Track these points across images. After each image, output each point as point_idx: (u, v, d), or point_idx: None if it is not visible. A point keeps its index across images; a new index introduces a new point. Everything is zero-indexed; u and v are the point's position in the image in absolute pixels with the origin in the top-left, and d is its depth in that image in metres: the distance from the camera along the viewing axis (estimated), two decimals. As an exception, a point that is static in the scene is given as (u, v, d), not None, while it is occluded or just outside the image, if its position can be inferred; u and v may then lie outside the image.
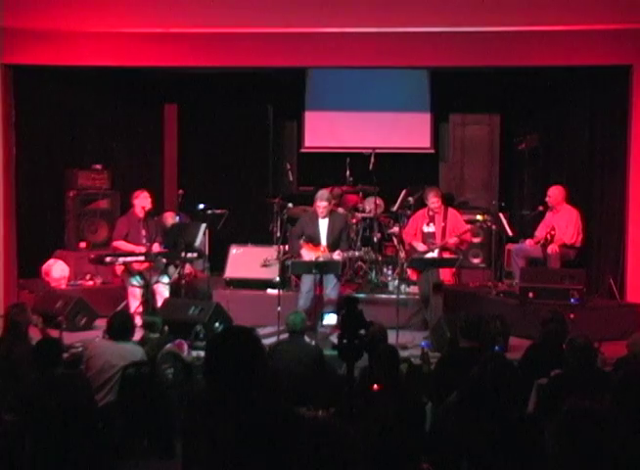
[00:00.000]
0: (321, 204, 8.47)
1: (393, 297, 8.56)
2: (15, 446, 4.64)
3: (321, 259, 8.18)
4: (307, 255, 8.41)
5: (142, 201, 8.64)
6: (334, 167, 10.83)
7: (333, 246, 8.45)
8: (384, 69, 10.26)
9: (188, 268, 9.42)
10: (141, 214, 8.66)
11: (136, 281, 8.47)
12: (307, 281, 8.36)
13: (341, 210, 10.02)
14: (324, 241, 8.50)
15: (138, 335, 6.88)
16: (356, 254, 8.46)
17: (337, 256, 8.34)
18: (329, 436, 2.74)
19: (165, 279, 8.63)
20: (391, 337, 6.66)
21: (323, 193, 8.66)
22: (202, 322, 7.66)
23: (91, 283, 9.57)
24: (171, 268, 8.77)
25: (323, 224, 8.55)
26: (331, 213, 8.61)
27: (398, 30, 8.69)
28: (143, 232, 8.64)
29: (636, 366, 5.17)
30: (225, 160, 11.49)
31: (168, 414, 5.83)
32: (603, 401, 3.83)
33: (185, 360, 6.66)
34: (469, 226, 8.79)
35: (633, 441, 3.26)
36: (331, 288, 8.34)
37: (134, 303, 8.46)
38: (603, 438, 2.85)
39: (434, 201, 8.61)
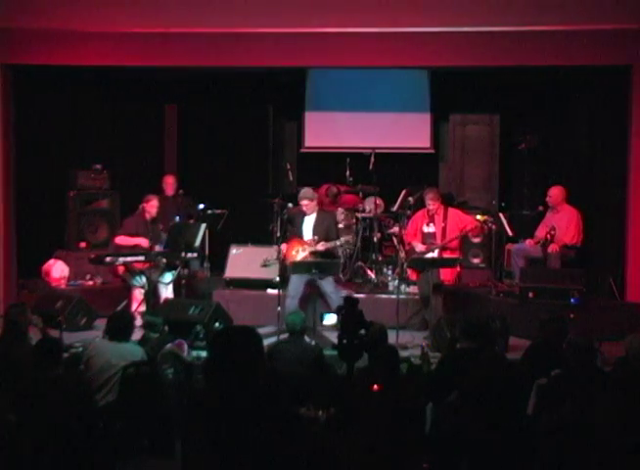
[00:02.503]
0: (301, 202, 8.62)
1: (393, 297, 8.57)
2: (15, 446, 4.64)
3: (304, 253, 8.38)
4: (287, 250, 8.57)
5: (150, 208, 8.76)
6: (334, 167, 10.83)
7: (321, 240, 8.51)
8: (384, 69, 10.25)
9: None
10: (148, 218, 8.78)
11: (137, 281, 8.49)
12: (294, 283, 8.34)
13: (340, 210, 10.03)
14: (307, 237, 8.54)
15: (138, 335, 6.88)
16: (337, 243, 8.48)
17: (321, 246, 8.38)
18: (327, 436, 2.74)
19: (166, 279, 8.64)
20: (391, 337, 6.66)
21: (304, 191, 8.74)
22: (202, 322, 7.65)
23: (91, 283, 9.57)
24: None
25: (308, 221, 8.60)
26: (319, 211, 8.67)
27: (398, 30, 8.69)
28: (149, 235, 8.68)
29: (635, 366, 5.17)
30: (225, 160, 11.48)
31: (168, 414, 5.83)
32: (603, 401, 3.84)
33: (185, 360, 6.65)
34: (475, 223, 8.76)
35: (632, 441, 3.26)
36: (331, 291, 8.25)
37: (136, 302, 8.47)
38: (601, 437, 2.85)
39: (430, 203, 8.61)
